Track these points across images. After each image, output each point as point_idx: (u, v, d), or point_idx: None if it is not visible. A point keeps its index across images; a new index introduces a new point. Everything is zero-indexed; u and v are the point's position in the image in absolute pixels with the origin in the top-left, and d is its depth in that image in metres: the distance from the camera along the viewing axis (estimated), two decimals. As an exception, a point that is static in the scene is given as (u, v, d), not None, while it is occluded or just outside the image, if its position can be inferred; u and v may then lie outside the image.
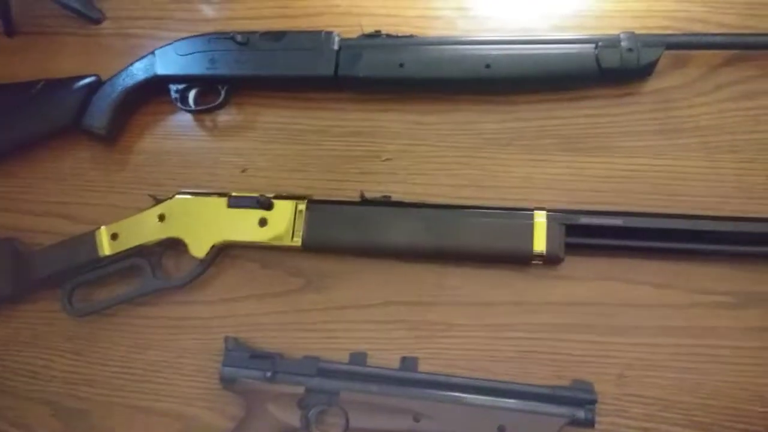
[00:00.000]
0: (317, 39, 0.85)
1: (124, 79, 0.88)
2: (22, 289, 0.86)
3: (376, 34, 0.85)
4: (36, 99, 0.90)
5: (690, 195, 0.78)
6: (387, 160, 0.85)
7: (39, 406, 0.86)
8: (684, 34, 0.80)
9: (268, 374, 0.77)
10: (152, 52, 0.89)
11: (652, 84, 0.82)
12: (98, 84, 0.89)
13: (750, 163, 0.78)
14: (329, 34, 0.85)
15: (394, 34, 0.84)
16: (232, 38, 0.86)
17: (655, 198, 0.78)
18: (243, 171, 0.88)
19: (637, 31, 0.79)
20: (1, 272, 0.85)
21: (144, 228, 0.83)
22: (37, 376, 0.87)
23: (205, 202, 0.83)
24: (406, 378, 0.77)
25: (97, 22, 0.96)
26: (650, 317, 0.76)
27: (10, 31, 0.97)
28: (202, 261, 0.82)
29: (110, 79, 0.89)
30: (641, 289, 0.77)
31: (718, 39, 0.79)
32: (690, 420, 0.73)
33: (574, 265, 0.77)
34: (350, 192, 0.83)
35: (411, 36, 0.84)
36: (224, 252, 0.85)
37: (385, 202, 0.80)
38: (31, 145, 0.92)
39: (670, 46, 0.78)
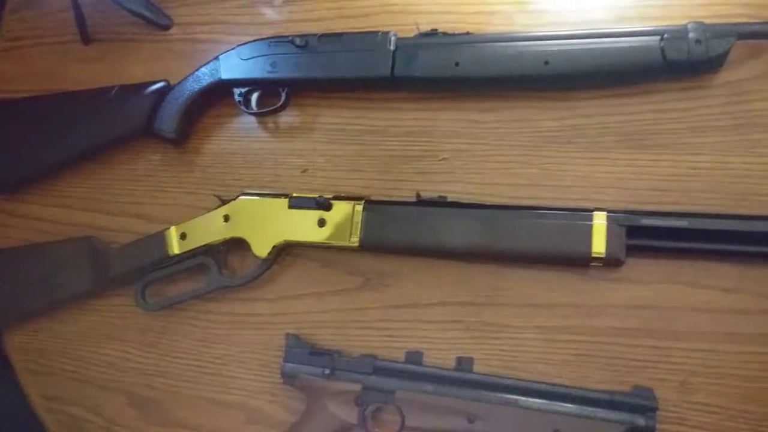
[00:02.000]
0: (374, 40, 0.85)
1: (190, 84, 0.92)
2: (99, 285, 0.92)
3: (432, 33, 0.84)
4: (111, 104, 0.95)
5: (761, 194, 0.74)
6: (443, 159, 0.85)
7: (116, 395, 0.92)
8: (758, 23, 0.74)
9: (327, 371, 0.80)
10: (216, 57, 0.91)
11: (723, 76, 0.77)
12: (167, 89, 0.93)
13: (829, 160, 0.73)
14: (385, 34, 0.85)
15: (450, 32, 0.83)
16: (291, 41, 0.87)
17: (723, 198, 0.75)
18: (303, 171, 0.90)
19: (706, 21, 0.74)
20: (80, 269, 0.91)
21: (210, 228, 0.87)
22: (115, 366, 0.93)
23: (267, 203, 0.85)
24: (461, 379, 0.77)
25: (166, 28, 1.00)
26: (716, 323, 0.73)
27: (86, 39, 1.02)
28: (264, 260, 0.85)
29: (178, 84, 0.93)
30: (707, 293, 0.74)
31: (795, 27, 0.73)
32: (756, 431, 0.70)
33: (635, 267, 0.75)
34: (407, 192, 0.84)
35: (467, 33, 0.83)
36: (286, 251, 0.87)
37: (441, 203, 0.80)
38: (108, 147, 0.97)
39: (743, 36, 0.73)
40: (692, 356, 0.73)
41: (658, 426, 0.70)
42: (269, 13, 0.97)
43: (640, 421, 0.71)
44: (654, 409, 0.71)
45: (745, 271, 0.73)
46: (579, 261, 0.75)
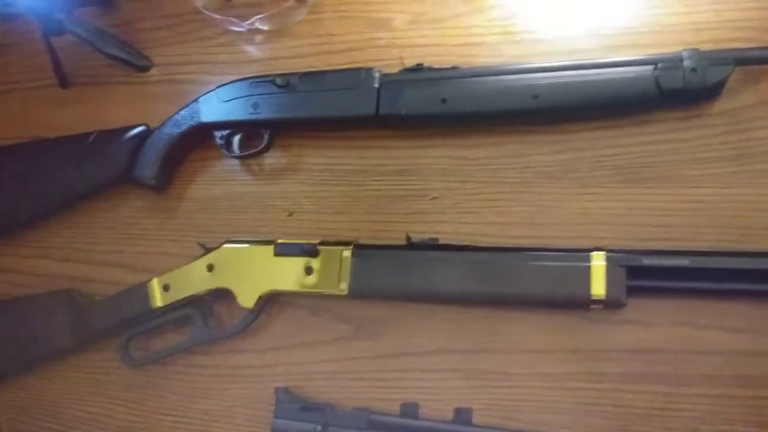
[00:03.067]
0: (357, 77, 0.82)
1: (170, 129, 0.89)
2: (81, 340, 0.88)
3: (418, 68, 0.81)
4: (89, 151, 0.92)
5: (765, 228, 0.70)
6: (434, 199, 0.82)
7: (102, 455, 0.89)
8: (756, 48, 0.71)
9: (319, 428, 0.76)
10: (196, 100, 0.88)
11: (722, 104, 0.74)
12: (147, 133, 0.90)
13: (834, 190, 0.69)
14: (369, 71, 0.82)
15: (436, 66, 0.80)
16: (272, 81, 0.84)
17: (727, 233, 0.71)
18: (290, 215, 0.87)
19: (701, 47, 0.71)
20: (60, 324, 0.88)
21: (194, 279, 0.84)
22: (99, 424, 0.90)
23: (252, 251, 0.82)
24: (460, 432, 0.74)
25: (145, 69, 0.97)
26: (725, 366, 0.69)
27: (64, 83, 0.99)
28: (251, 311, 0.81)
29: (157, 128, 0.90)
30: (713, 334, 0.70)
31: (797, 52, 0.70)
32: (773, 480, 0.66)
33: (637, 308, 0.71)
34: (397, 233, 0.80)
35: (454, 67, 0.79)
36: (273, 299, 0.84)
37: (433, 246, 0.77)
38: (87, 195, 0.94)
39: (741, 62, 0.70)
40: (700, 402, 0.69)
41: (667, 478, 0.67)
42: (250, 51, 0.94)
43: (649, 473, 0.67)
44: (663, 460, 0.68)
45: (753, 310, 0.69)
46: (578, 304, 0.71)
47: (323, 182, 0.87)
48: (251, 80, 0.86)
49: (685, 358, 0.70)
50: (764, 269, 0.66)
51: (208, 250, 0.84)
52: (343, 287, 0.77)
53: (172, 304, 0.84)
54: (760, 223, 0.71)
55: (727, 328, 0.70)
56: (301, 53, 0.91)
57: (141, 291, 0.85)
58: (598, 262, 0.69)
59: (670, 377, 0.71)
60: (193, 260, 0.84)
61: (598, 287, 0.69)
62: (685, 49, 0.71)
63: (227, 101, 0.87)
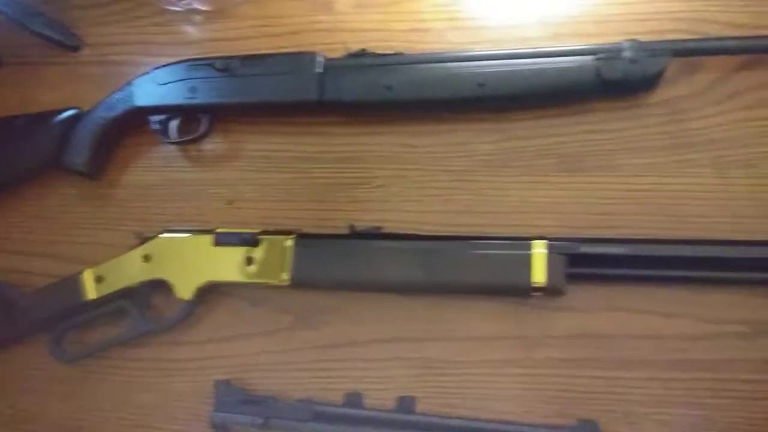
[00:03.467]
0: (300, 62, 0.80)
1: (103, 112, 0.85)
2: (12, 334, 0.84)
3: (362, 53, 0.80)
4: (17, 135, 0.87)
5: (701, 216, 0.72)
6: (378, 186, 0.81)
7: (36, 452, 0.85)
8: (693, 40, 0.73)
9: (260, 420, 0.75)
10: (130, 83, 0.85)
11: (660, 94, 0.75)
12: (78, 117, 0.86)
13: (765, 179, 0.71)
14: (312, 55, 0.80)
15: (381, 52, 0.79)
16: (212, 65, 0.81)
17: (664, 220, 0.73)
18: (230, 203, 0.85)
19: (641, 37, 0.72)
20: (-12, 318, 0.84)
21: (129, 270, 0.80)
22: (32, 421, 0.85)
23: (190, 241, 0.79)
24: (403, 421, 0.73)
25: (76, 49, 0.92)
26: (660, 350, 0.71)
27: (-5, 63, 0.94)
28: (188, 303, 0.79)
29: (89, 112, 0.86)
30: (650, 319, 0.71)
31: (730, 43, 0.71)
32: (706, 460, 0.69)
33: (577, 295, 0.72)
34: (341, 222, 0.79)
35: (399, 54, 0.79)
36: (212, 290, 0.81)
37: (376, 234, 0.76)
38: (15, 182, 0.89)
39: (678, 53, 0.72)
40: (637, 385, 0.71)
41: (605, 459, 0.68)
42: (189, 32, 0.91)
43: (586, 456, 0.69)
44: (600, 444, 0.69)
45: (687, 295, 0.71)
46: (520, 291, 0.71)
47: (265, 169, 0.85)
48: (189, 63, 0.83)
49: (623, 342, 0.72)
50: (697, 256, 0.68)
51: (143, 240, 0.81)
52: (285, 277, 0.75)
53: (106, 296, 0.81)
54: (694, 211, 0.72)
55: (662, 313, 0.71)
56: (242, 35, 0.88)
57: (72, 283, 0.81)
58: (539, 250, 0.70)
59: (608, 361, 0.72)
60: (129, 251, 0.81)
61: (539, 275, 0.69)
62: (625, 40, 0.72)
63: (164, 84, 0.83)
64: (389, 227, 0.77)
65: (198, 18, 0.90)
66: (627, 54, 0.71)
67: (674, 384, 0.70)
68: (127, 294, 0.81)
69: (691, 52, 0.72)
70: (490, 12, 0.81)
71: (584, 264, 0.70)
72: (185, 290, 0.79)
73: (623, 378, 0.71)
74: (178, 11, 0.89)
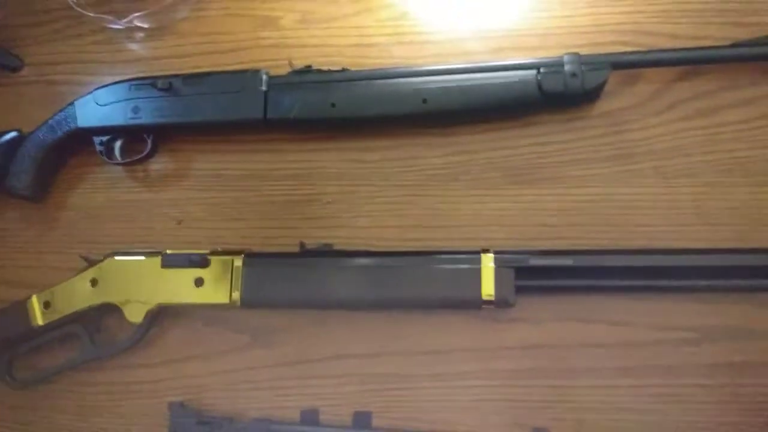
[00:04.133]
0: (243, 80, 0.79)
1: (44, 135, 0.83)
2: (-43, 363, 0.82)
3: (307, 69, 0.79)
4: (-42, 160, 0.85)
5: (645, 225, 0.74)
6: (329, 203, 0.81)
7: (-12, 482, 0.83)
8: (632, 53, 0.74)
9: (216, 442, 0.75)
10: (72, 103, 0.83)
11: (602, 106, 0.76)
12: (20, 140, 0.84)
13: (708, 187, 0.73)
14: (256, 73, 0.79)
15: (325, 68, 0.79)
16: (153, 84, 0.80)
17: (609, 230, 0.74)
18: (179, 223, 0.84)
19: (582, 50, 0.73)
20: (-68, 347, 0.82)
21: (76, 294, 0.79)
22: (-15, 450, 0.84)
23: (138, 263, 0.78)
24: (359, 437, 0.74)
25: (16, 70, 0.90)
26: (608, 357, 0.72)
27: (-73, 85, 0.91)
28: (140, 326, 0.78)
29: (31, 134, 0.84)
30: (597, 328, 0.73)
31: (667, 55, 0.73)
32: (653, 464, 0.70)
33: (527, 306, 0.73)
34: (291, 240, 0.78)
35: (343, 70, 0.78)
36: (164, 311, 0.80)
37: (326, 252, 0.76)
38: (-42, 208, 0.87)
39: (617, 66, 0.73)
40: (587, 393, 0.72)
41: (558, 466, 0.70)
42: (131, 49, 0.89)
43: (540, 465, 0.70)
44: (553, 452, 0.70)
45: (632, 304, 0.72)
46: (470, 305, 0.72)
47: (213, 188, 0.84)
48: (131, 83, 0.82)
49: (571, 352, 0.73)
50: (641, 266, 0.69)
51: (91, 264, 0.79)
52: (236, 298, 0.75)
53: (54, 321, 0.79)
54: (639, 221, 0.74)
55: (609, 321, 0.73)
56: (185, 52, 0.87)
57: (19, 309, 0.80)
58: (488, 263, 0.71)
59: (559, 371, 0.73)
60: (76, 274, 0.79)
61: (488, 288, 0.70)
62: (566, 54, 0.73)
63: (105, 105, 0.82)
64: (340, 244, 0.77)
65: (140, 35, 0.88)
66: (568, 68, 0.72)
67: (622, 391, 0.72)
68: (76, 318, 0.80)
69: (630, 64, 0.73)
70: (434, 27, 0.81)
71: (533, 276, 0.71)
72: (135, 314, 0.77)
73: (573, 386, 0.73)
74: (120, 29, 0.88)
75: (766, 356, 0.70)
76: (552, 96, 0.73)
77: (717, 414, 0.70)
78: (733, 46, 0.71)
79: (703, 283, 0.70)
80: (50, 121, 0.83)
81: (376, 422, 0.75)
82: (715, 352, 0.70)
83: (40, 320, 0.79)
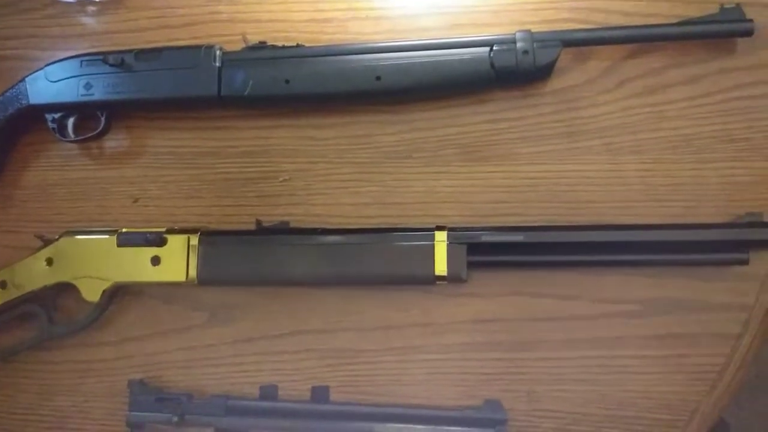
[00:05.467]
0: (197, 56, 0.78)
1: (-6, 112, 0.82)
2: None
3: (261, 45, 0.79)
4: None
5: (593, 201, 0.75)
6: (285, 180, 0.81)
7: (-50, 461, 0.84)
8: (582, 30, 0.74)
9: (175, 418, 0.76)
10: (22, 80, 0.82)
11: (553, 83, 0.77)
12: (-30, 117, 0.83)
13: (654, 164, 0.74)
14: (209, 49, 0.78)
15: (280, 44, 0.78)
16: (104, 60, 0.79)
17: (558, 206, 0.76)
18: (135, 201, 0.84)
19: (535, 27, 0.74)
20: None
21: (32, 274, 0.79)
22: (-54, 429, 0.84)
23: (93, 242, 0.78)
24: (316, 411, 0.76)
25: (-36, 44, 0.88)
26: (557, 330, 0.75)
27: None
28: (97, 305, 0.78)
29: (-20, 112, 0.83)
30: (546, 302, 0.75)
31: (617, 33, 0.73)
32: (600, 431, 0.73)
33: (479, 281, 0.75)
34: (248, 217, 0.79)
35: (297, 46, 0.78)
36: (123, 290, 0.81)
37: (282, 230, 0.77)
38: None
39: (568, 44, 0.73)
40: (536, 365, 0.75)
41: (509, 435, 0.72)
42: (83, 23, 0.87)
43: (491, 435, 0.72)
44: (503, 422, 0.73)
45: (580, 278, 0.74)
46: (424, 281, 0.73)
47: (169, 166, 0.84)
48: (82, 58, 0.81)
49: (522, 325, 0.75)
50: (588, 242, 0.71)
51: (46, 243, 0.79)
52: (193, 276, 0.75)
53: (10, 301, 0.79)
54: (588, 197, 0.75)
55: (559, 296, 0.75)
56: (138, 27, 0.86)
57: (-25, 290, 0.80)
58: (441, 240, 0.72)
59: (509, 344, 0.75)
60: (31, 254, 0.79)
61: (441, 265, 0.72)
62: (518, 31, 0.73)
63: (56, 81, 0.81)
64: (297, 221, 0.79)
65: (92, 9, 0.86)
66: (520, 45, 0.73)
67: (570, 362, 0.74)
68: (33, 298, 0.80)
69: (581, 42, 0.74)
70: (389, 2, 0.81)
71: (485, 252, 0.72)
72: (92, 293, 0.78)
73: (524, 359, 0.75)
74: (72, 2, 0.86)
75: (708, 328, 0.72)
76: (504, 73, 0.73)
77: (661, 383, 0.73)
78: (681, 24, 0.72)
79: (647, 257, 0.72)
80: (1, 98, 0.82)
81: (333, 396, 0.77)
82: (659, 324, 0.73)
83: (-5, 300, 0.80)
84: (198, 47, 0.79)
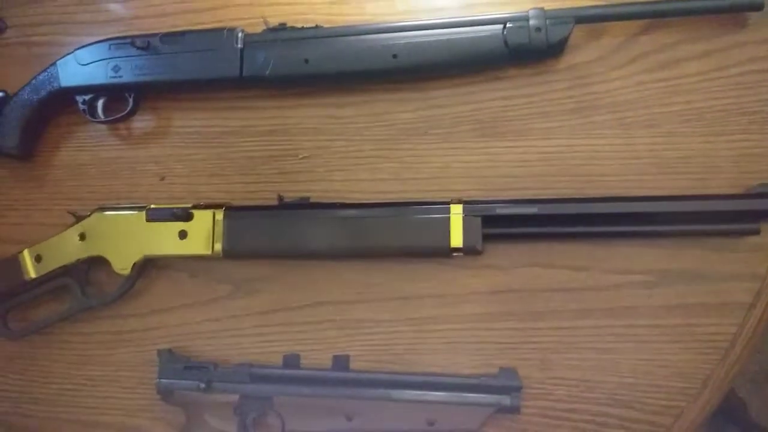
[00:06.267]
0: (219, 38, 0.81)
1: (28, 95, 0.85)
2: (-46, 316, 0.87)
3: (281, 27, 0.81)
4: (-55, 120, 0.87)
5: (606, 175, 0.77)
6: (305, 158, 0.84)
7: (-11, 427, 0.88)
8: (594, 7, 0.76)
9: (202, 385, 0.79)
10: (54, 64, 0.85)
11: (567, 60, 0.79)
12: (5, 100, 0.87)
13: (666, 137, 0.76)
14: (231, 31, 0.81)
15: (298, 26, 0.81)
16: (132, 43, 0.82)
17: (571, 180, 0.77)
18: (162, 179, 0.87)
19: (547, 5, 0.76)
20: (-71, 300, 0.86)
21: (66, 248, 0.83)
22: (-13, 396, 0.89)
23: (124, 218, 0.82)
24: (337, 378, 0.78)
25: (0, 31, 0.92)
26: (569, 300, 0.76)
27: None
28: (127, 278, 0.82)
29: (15, 94, 0.86)
30: (560, 273, 0.77)
31: (630, 9, 0.74)
32: (613, 399, 0.75)
33: (494, 253, 0.77)
34: (270, 194, 0.82)
35: (316, 27, 0.80)
36: (151, 263, 0.84)
37: (303, 204, 0.80)
38: (-53, 168, 0.90)
39: (581, 20, 0.75)
40: (550, 334, 0.76)
41: (524, 403, 0.74)
42: (111, 10, 0.91)
43: (506, 401, 0.74)
44: (518, 389, 0.74)
45: (593, 249, 0.76)
46: (440, 253, 0.76)
47: (194, 144, 0.87)
48: (110, 42, 0.84)
49: (536, 296, 0.77)
50: (600, 213, 0.73)
51: (79, 219, 0.83)
52: (218, 249, 0.79)
53: (46, 274, 0.83)
54: (600, 171, 0.77)
55: (572, 267, 0.77)
56: (163, 12, 0.89)
57: (12, 263, 0.84)
58: (456, 213, 0.74)
59: (524, 314, 0.77)
60: (65, 229, 0.83)
61: (457, 237, 0.74)
62: (532, 8, 0.75)
63: (86, 64, 0.84)
64: (317, 197, 0.81)
65: (118, -6, 0.90)
66: (533, 23, 0.74)
67: (583, 331, 0.76)
68: (66, 271, 0.84)
69: (594, 18, 0.75)
70: (405, -18, 0.83)
71: (499, 224, 0.74)
72: (123, 266, 0.81)
73: (538, 328, 0.77)
74: (99, -12, 0.89)
75: (718, 298, 0.74)
76: (517, 50, 0.75)
77: (672, 352, 0.74)
78: (693, -1, 0.74)
79: (659, 228, 0.74)
80: (34, 82, 0.86)
81: (353, 365, 0.80)
82: (670, 295, 0.74)
83: (32, 273, 0.83)
84: (220, 30, 0.82)
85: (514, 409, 0.74)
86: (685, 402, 0.74)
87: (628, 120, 0.77)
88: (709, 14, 0.75)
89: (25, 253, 0.83)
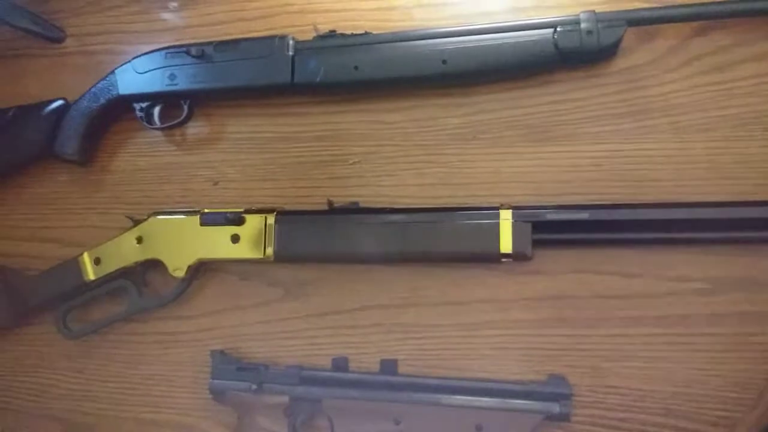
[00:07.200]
0: (271, 46, 0.83)
1: (88, 102, 0.89)
2: (17, 316, 0.90)
3: (331, 34, 0.83)
4: (8, 127, 0.91)
5: (659, 180, 0.76)
6: (355, 163, 0.85)
7: (49, 423, 0.92)
8: (646, 9, 0.75)
9: (254, 386, 0.80)
10: (113, 72, 0.88)
11: (618, 63, 0.78)
12: (65, 108, 0.90)
13: (722, 142, 0.74)
14: (283, 38, 0.83)
15: (348, 32, 0.82)
16: (187, 52, 0.84)
17: (623, 185, 0.76)
18: (215, 184, 0.89)
19: (598, 8, 0.75)
20: (-4, 303, 0.90)
21: (123, 251, 0.86)
22: (45, 395, 0.92)
23: (179, 222, 0.84)
24: (385, 382, 0.79)
25: (59, 41, 0.95)
26: (622, 307, 0.76)
27: (-23, 59, 0.98)
28: (182, 280, 0.84)
29: (75, 102, 0.89)
30: (611, 280, 0.76)
31: (683, 11, 0.73)
32: (666, 408, 0.74)
33: (544, 259, 0.77)
34: (320, 198, 0.83)
35: (365, 33, 0.81)
36: (204, 266, 0.87)
37: (353, 210, 0.80)
38: (9, 171, 0.94)
39: (633, 23, 0.74)
40: (602, 342, 0.76)
41: (575, 410, 0.74)
42: (166, 19, 0.94)
43: (555, 408, 0.74)
44: (568, 396, 0.74)
45: (645, 256, 0.75)
46: (490, 258, 0.76)
47: (246, 150, 0.89)
48: (166, 51, 0.86)
49: (587, 302, 0.76)
50: (653, 219, 0.71)
51: (136, 223, 0.86)
52: (269, 253, 0.80)
53: (104, 276, 0.86)
54: (652, 176, 0.76)
55: (623, 273, 0.76)
56: (215, 20, 0.91)
57: (73, 266, 0.87)
58: (506, 218, 0.74)
59: (574, 321, 0.77)
60: (122, 233, 0.86)
61: (506, 243, 0.74)
62: (582, 12, 0.75)
63: (143, 73, 0.87)
64: (366, 202, 0.82)
65: (173, 5, 0.92)
66: (584, 26, 0.74)
67: (635, 339, 0.75)
68: (124, 274, 0.87)
69: (646, 21, 0.74)
70: (453, -11, 0.83)
71: (550, 230, 0.74)
72: (178, 268, 0.84)
73: (588, 335, 0.76)
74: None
75: (778, 306, 0.72)
76: (568, 54, 0.75)
77: (725, 362, 0.73)
78: (749, 0, 0.72)
79: (713, 235, 0.72)
80: (93, 90, 0.89)
81: (401, 369, 0.80)
82: (724, 303, 0.73)
83: (91, 275, 0.86)
84: (272, 37, 0.83)
85: (563, 417, 0.74)
86: (741, 413, 0.72)
87: (682, 124, 0.76)
88: (764, 15, 0.73)
89: (85, 255, 0.87)
